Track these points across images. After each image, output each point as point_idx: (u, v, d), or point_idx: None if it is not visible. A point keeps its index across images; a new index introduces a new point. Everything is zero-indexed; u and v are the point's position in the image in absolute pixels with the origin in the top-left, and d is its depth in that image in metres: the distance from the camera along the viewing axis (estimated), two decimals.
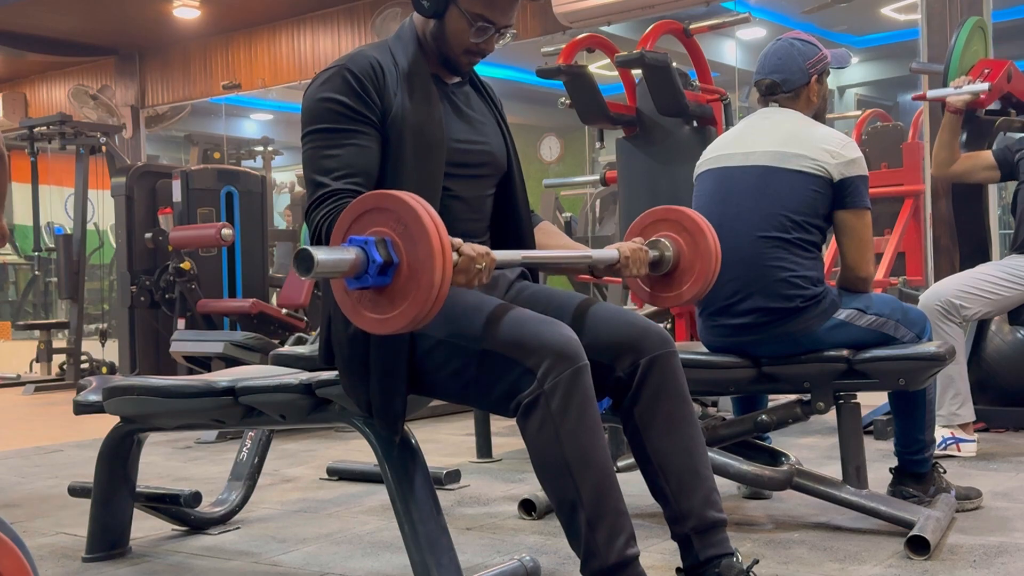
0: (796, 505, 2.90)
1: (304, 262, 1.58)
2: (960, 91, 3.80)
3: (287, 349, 3.08)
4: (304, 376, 2.20)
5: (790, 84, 2.78)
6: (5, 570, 1.09)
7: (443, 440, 4.49)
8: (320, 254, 1.59)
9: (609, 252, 2.06)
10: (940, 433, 3.47)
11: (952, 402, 3.50)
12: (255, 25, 9.60)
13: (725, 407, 4.03)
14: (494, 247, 2.18)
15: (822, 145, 2.65)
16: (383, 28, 8.49)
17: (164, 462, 4.13)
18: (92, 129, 8.06)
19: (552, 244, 2.24)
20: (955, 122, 3.81)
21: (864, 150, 2.79)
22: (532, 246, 2.21)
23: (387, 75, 2.00)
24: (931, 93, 4.02)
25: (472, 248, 1.71)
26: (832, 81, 11.67)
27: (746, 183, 2.70)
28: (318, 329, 5.08)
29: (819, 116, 2.83)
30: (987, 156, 3.80)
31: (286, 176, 12.90)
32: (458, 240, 1.70)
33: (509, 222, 2.18)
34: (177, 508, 2.80)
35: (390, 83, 1.99)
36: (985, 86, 3.79)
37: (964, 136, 4.13)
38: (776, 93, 2.79)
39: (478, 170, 2.10)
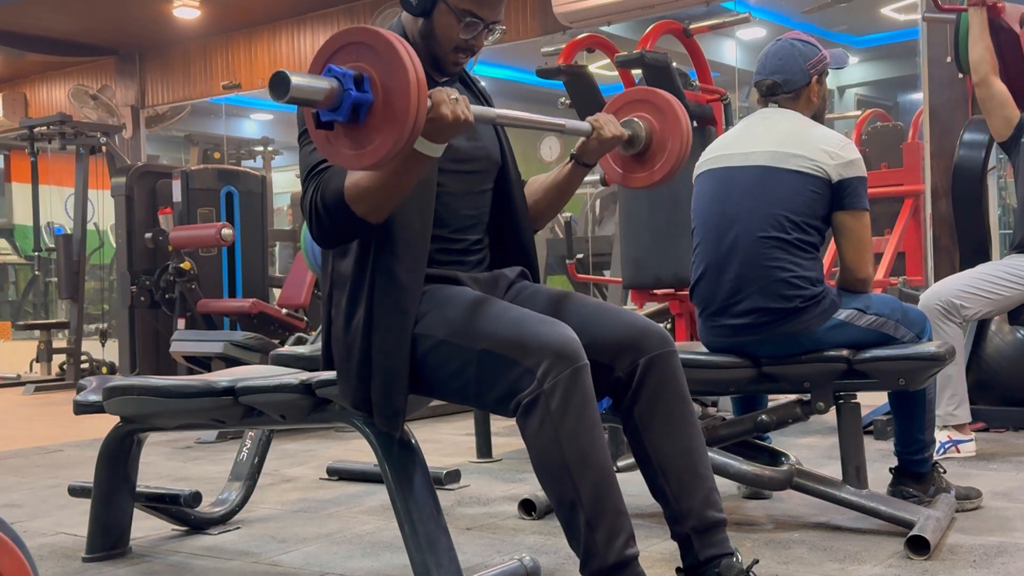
0: (796, 505, 2.90)
1: (280, 84, 1.56)
2: None
3: (287, 349, 3.08)
4: (304, 376, 2.20)
5: (791, 85, 2.78)
6: (5, 570, 1.09)
7: (443, 440, 4.49)
8: (295, 78, 1.57)
9: (582, 123, 2.10)
10: (937, 437, 3.46)
11: (949, 402, 3.50)
12: (255, 25, 9.60)
13: (725, 407, 4.03)
14: (492, 244, 2.18)
15: (821, 146, 2.65)
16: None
17: (164, 462, 4.13)
18: (92, 129, 8.07)
19: (539, 183, 2.27)
20: (980, 15, 3.73)
21: (864, 150, 2.79)
22: (531, 242, 2.22)
23: None
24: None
25: (443, 89, 1.73)
26: (832, 81, 11.67)
27: (745, 183, 2.70)
28: (318, 329, 5.09)
29: (818, 117, 2.83)
30: (1016, 112, 3.71)
31: (286, 176, 12.90)
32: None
33: (507, 223, 2.18)
34: (177, 508, 2.80)
35: None
36: None
37: (965, 136, 4.12)
38: (777, 94, 2.79)
39: (472, 165, 2.11)
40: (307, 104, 1.63)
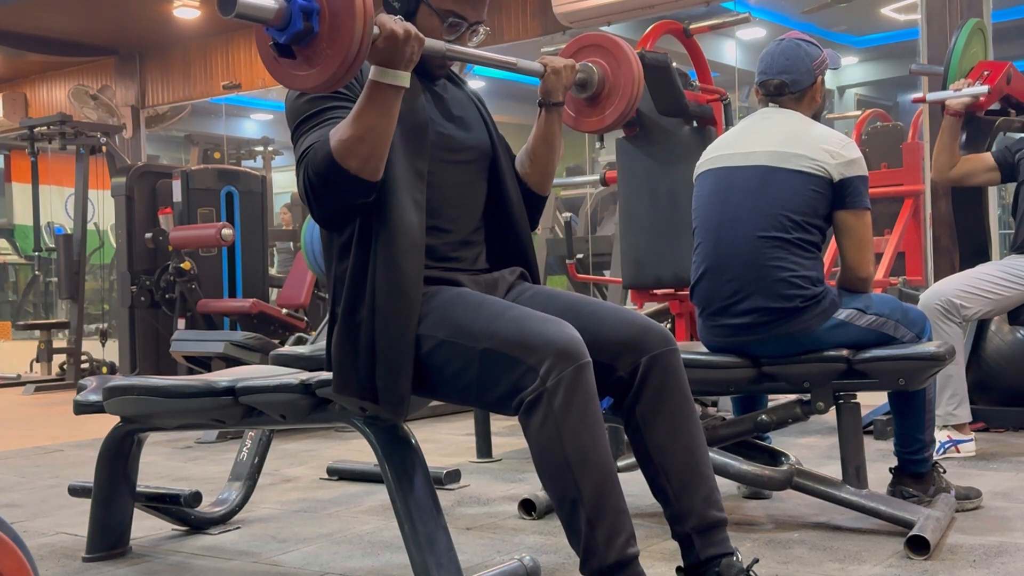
0: (796, 505, 2.90)
1: (225, 1, 1.61)
2: (959, 94, 3.79)
3: (287, 349, 3.08)
4: (304, 376, 2.20)
5: (798, 84, 2.78)
6: (5, 570, 1.09)
7: (443, 440, 4.49)
8: None
9: (533, 63, 2.15)
10: (937, 436, 3.47)
11: (949, 402, 3.50)
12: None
13: (725, 407, 4.03)
14: (492, 249, 2.19)
15: (822, 145, 2.65)
16: None
17: (164, 462, 4.13)
18: (92, 129, 8.07)
19: (523, 151, 2.29)
20: (954, 125, 3.80)
21: (864, 150, 2.79)
22: (530, 242, 2.22)
23: (363, 69, 1.99)
24: (931, 96, 4.01)
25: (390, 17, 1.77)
26: (832, 81, 11.69)
27: (746, 183, 2.70)
28: (318, 329, 5.08)
29: (817, 116, 2.84)
30: (987, 159, 3.80)
31: (286, 176, 12.91)
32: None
33: (504, 221, 2.18)
34: (177, 508, 2.80)
35: (366, 72, 1.99)
36: (984, 89, 3.78)
37: (964, 137, 4.12)
38: (784, 93, 2.79)
39: (463, 155, 2.11)
40: (256, 21, 1.68)
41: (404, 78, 1.80)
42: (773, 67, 2.80)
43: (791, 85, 2.78)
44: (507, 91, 10.89)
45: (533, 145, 2.26)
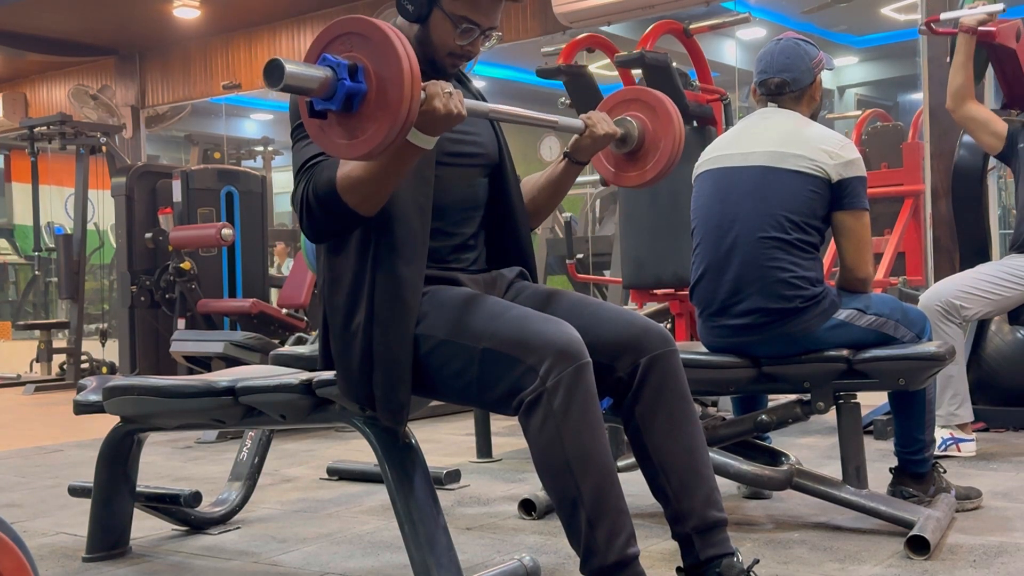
0: (796, 505, 2.90)
1: (274, 71, 1.57)
2: (974, 11, 3.72)
3: (287, 349, 3.08)
4: (304, 376, 2.20)
5: (799, 83, 2.78)
6: (5, 570, 1.09)
7: (443, 440, 4.49)
8: (290, 66, 1.57)
9: (575, 120, 2.11)
10: (939, 434, 3.47)
11: (951, 402, 3.50)
12: (255, 25, 9.60)
13: (725, 407, 4.03)
14: (491, 248, 2.18)
15: (820, 146, 2.65)
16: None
17: (164, 462, 4.13)
18: (92, 129, 8.07)
19: (533, 182, 2.28)
20: (968, 44, 3.73)
21: (864, 150, 2.79)
22: (529, 242, 2.22)
23: None
24: (945, 15, 3.87)
25: (437, 82, 1.74)
26: (832, 81, 11.69)
27: (745, 183, 2.70)
28: (318, 330, 5.08)
29: (815, 115, 2.84)
30: (1002, 124, 3.73)
31: (286, 176, 12.90)
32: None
33: (505, 222, 2.18)
34: (177, 508, 2.80)
35: None
36: (1000, 7, 3.70)
37: (965, 137, 4.12)
38: (784, 93, 2.78)
39: (469, 159, 2.11)
40: (301, 92, 1.64)
41: (431, 142, 1.78)
42: (773, 66, 2.79)
43: (792, 84, 2.78)
44: (508, 91, 10.89)
45: (542, 187, 2.25)
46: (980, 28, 3.70)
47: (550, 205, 2.29)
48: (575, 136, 2.17)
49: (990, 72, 4.06)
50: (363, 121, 1.64)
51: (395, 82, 1.61)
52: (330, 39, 1.68)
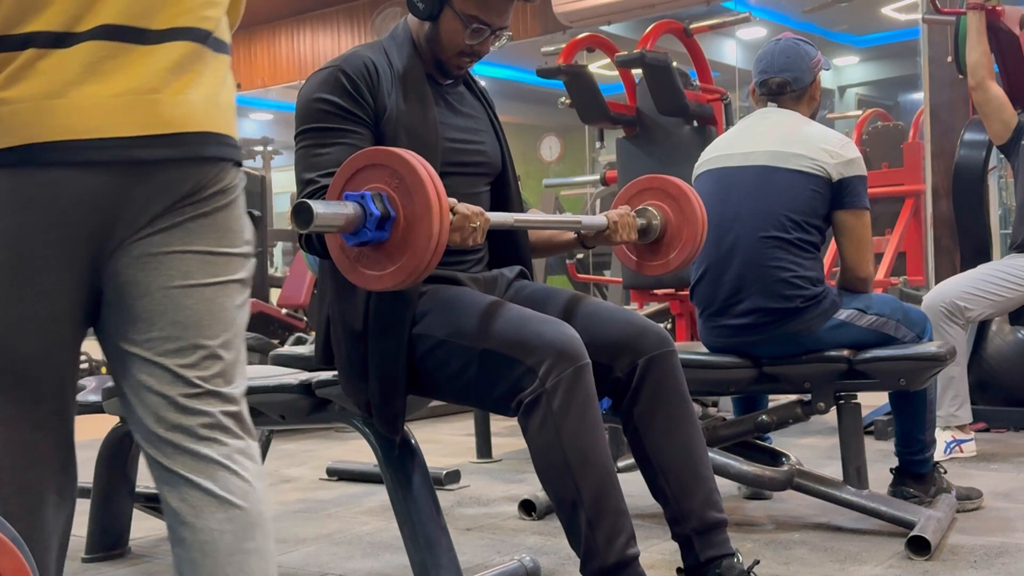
0: (796, 505, 2.90)
1: (302, 214, 1.58)
2: None
3: (287, 349, 3.08)
4: (304, 376, 2.20)
5: (800, 83, 2.78)
6: (5, 570, 1.09)
7: (443, 440, 4.49)
8: (319, 207, 1.59)
9: (598, 218, 2.08)
10: (942, 438, 3.46)
11: (952, 403, 3.50)
12: (255, 25, 9.60)
13: (725, 407, 4.03)
14: (492, 248, 2.18)
15: (821, 145, 2.65)
16: (382, 28, 8.50)
17: None
18: None
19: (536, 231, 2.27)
20: (979, 19, 3.72)
21: (864, 150, 2.79)
22: (526, 245, 2.21)
23: (381, 75, 2.00)
24: None
25: (467, 207, 1.73)
26: (832, 81, 11.69)
27: (746, 183, 2.70)
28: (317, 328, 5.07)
29: (814, 115, 2.85)
30: (1014, 115, 3.71)
31: (286, 176, 12.91)
32: (452, 200, 1.71)
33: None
34: None
35: (384, 83, 2.00)
36: None
37: (966, 136, 4.11)
38: (785, 92, 2.78)
39: (472, 169, 2.11)
40: (333, 230, 1.65)
41: None
42: (774, 65, 2.79)
43: (793, 83, 2.78)
44: (508, 91, 10.90)
45: (542, 240, 2.24)
46: (987, 4, 3.70)
47: (541, 256, 2.32)
48: (596, 233, 2.12)
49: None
50: (392, 252, 1.65)
51: (423, 216, 1.61)
52: (353, 171, 1.68)
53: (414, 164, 1.62)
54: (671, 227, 2.18)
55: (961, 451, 3.51)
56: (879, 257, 5.81)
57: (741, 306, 2.65)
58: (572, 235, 2.21)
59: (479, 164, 2.12)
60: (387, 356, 1.91)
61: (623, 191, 2.27)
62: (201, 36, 1.32)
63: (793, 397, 2.76)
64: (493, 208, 2.17)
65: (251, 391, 2.21)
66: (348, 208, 1.62)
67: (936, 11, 3.97)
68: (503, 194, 2.18)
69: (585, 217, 2.08)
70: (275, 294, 7.26)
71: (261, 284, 6.85)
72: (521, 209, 2.22)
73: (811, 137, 2.68)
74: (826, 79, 2.88)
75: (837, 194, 2.65)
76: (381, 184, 1.65)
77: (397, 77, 2.01)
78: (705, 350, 2.78)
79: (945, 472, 2.85)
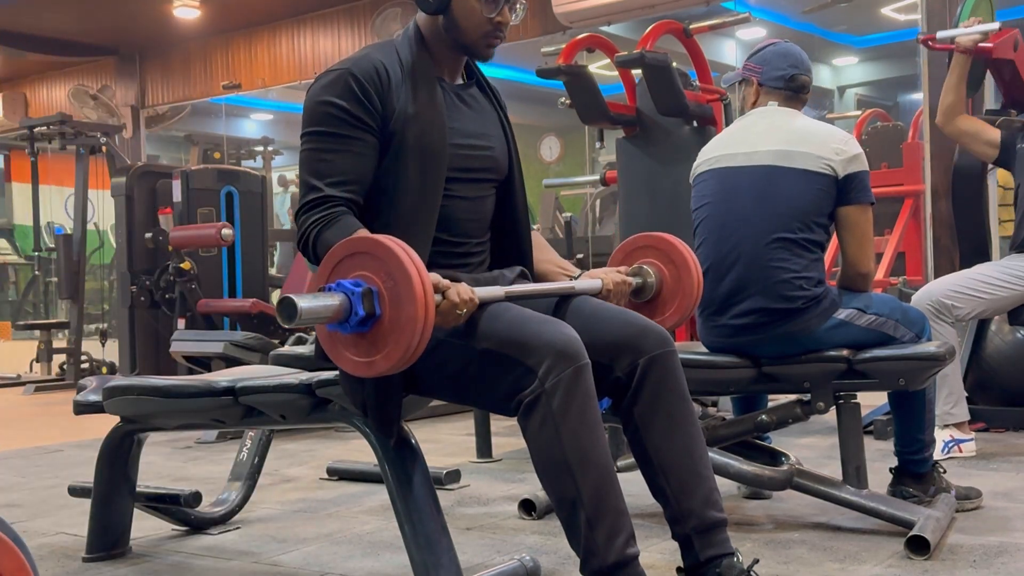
0: (796, 505, 2.90)
1: (287, 309, 1.62)
2: (970, 31, 3.72)
3: (287, 349, 3.08)
4: (304, 376, 2.20)
5: (811, 84, 2.88)
6: (5, 570, 1.09)
7: (443, 440, 4.49)
8: (303, 302, 1.63)
9: (592, 282, 2.10)
10: (941, 437, 3.46)
11: (946, 401, 3.50)
12: (255, 25, 9.60)
13: (725, 407, 4.03)
14: (493, 249, 2.18)
15: (827, 143, 2.66)
16: (383, 28, 8.49)
17: (164, 462, 4.13)
18: (92, 129, 8.06)
19: (540, 259, 2.25)
20: (963, 64, 3.74)
21: (864, 150, 2.79)
22: (529, 250, 2.21)
23: (392, 78, 1.99)
24: (941, 34, 3.86)
25: (457, 294, 1.75)
26: (832, 81, 11.69)
27: (750, 183, 2.70)
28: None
29: None
30: (994, 132, 3.74)
31: (286, 176, 12.91)
32: (446, 283, 1.74)
33: (508, 225, 2.19)
34: (177, 508, 2.80)
35: (394, 86, 1.99)
36: (995, 25, 3.68)
37: None
38: (805, 91, 2.84)
39: (481, 173, 2.11)
40: (320, 322, 1.68)
41: None
42: (803, 64, 2.84)
43: (809, 84, 2.86)
44: (508, 91, 10.88)
45: (542, 287, 2.24)
46: (977, 46, 3.71)
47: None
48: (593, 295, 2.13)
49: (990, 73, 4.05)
50: (376, 342, 1.69)
51: (407, 320, 1.65)
52: (345, 255, 1.71)
53: (407, 266, 1.65)
54: (666, 286, 2.21)
55: (960, 451, 3.51)
56: (879, 257, 5.81)
57: (741, 306, 2.65)
58: (565, 281, 2.19)
59: (486, 169, 2.12)
60: None
61: (619, 248, 2.29)
62: None
63: (793, 397, 2.76)
64: (498, 213, 2.17)
65: (251, 391, 2.23)
66: (334, 300, 1.66)
67: (929, 48, 4.00)
68: (509, 201, 2.18)
69: (579, 282, 2.10)
70: (275, 294, 7.26)
71: (261, 284, 6.86)
72: (526, 215, 2.22)
73: (816, 134, 2.69)
74: (826, 79, 2.92)
75: (843, 190, 2.66)
76: (368, 272, 1.68)
77: (407, 79, 2.01)
78: (705, 350, 2.78)
79: (944, 472, 2.85)
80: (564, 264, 2.26)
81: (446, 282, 1.74)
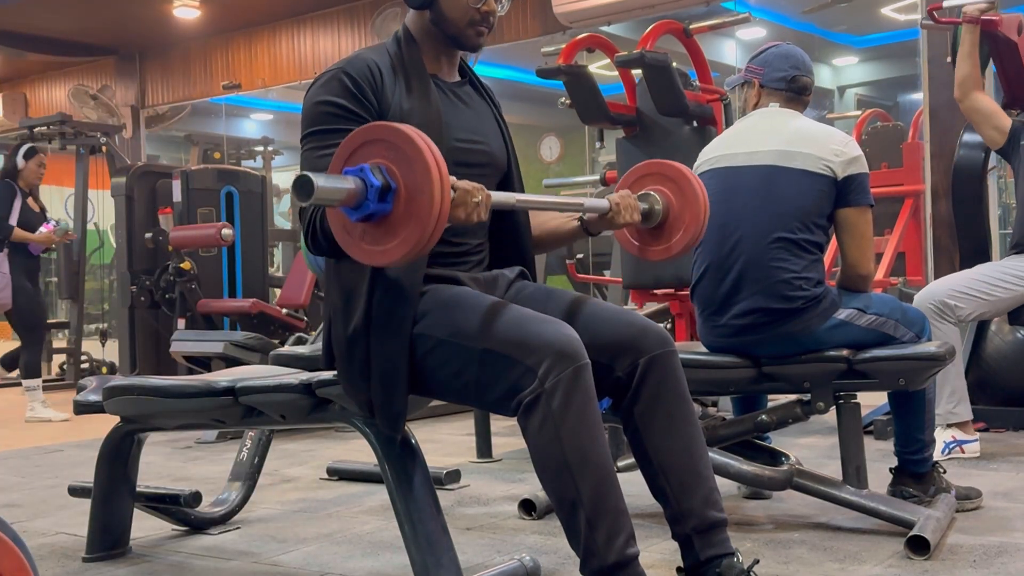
0: (796, 505, 2.90)
1: (303, 187, 1.58)
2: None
3: (287, 349, 3.08)
4: (304, 376, 2.20)
5: (813, 85, 2.89)
6: (5, 570, 1.09)
7: (443, 440, 4.49)
8: (319, 180, 1.59)
9: (601, 201, 2.08)
10: (942, 437, 3.46)
11: (949, 400, 3.50)
12: (255, 25, 9.60)
13: (725, 407, 4.03)
14: (492, 248, 2.19)
15: (826, 144, 2.66)
16: (383, 28, 8.50)
17: (164, 462, 4.13)
18: (92, 129, 8.07)
19: (543, 219, 2.27)
20: (972, 33, 3.73)
21: (864, 150, 2.79)
22: (530, 248, 2.21)
23: (385, 77, 2.00)
24: (947, 2, 3.85)
25: (467, 182, 1.74)
26: (832, 81, 11.69)
27: (751, 183, 2.70)
28: (318, 329, 5.08)
29: None
30: (1006, 120, 3.73)
31: (286, 176, 12.91)
32: (452, 177, 1.71)
33: (508, 226, 2.19)
34: (177, 508, 2.80)
35: (388, 85, 2.00)
36: None
37: (966, 136, 4.11)
38: (807, 93, 2.85)
39: (478, 169, 2.11)
40: (331, 204, 1.65)
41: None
42: (805, 66, 2.85)
43: (811, 86, 2.86)
44: (508, 91, 10.89)
45: (545, 232, 2.25)
46: (983, 17, 3.70)
47: (545, 250, 2.32)
48: (599, 217, 2.13)
49: (991, 71, 4.05)
50: (395, 226, 1.65)
51: (424, 186, 1.61)
52: (353, 148, 1.69)
53: (411, 135, 1.63)
54: (673, 211, 2.19)
55: (962, 451, 3.51)
56: (879, 257, 5.81)
57: (741, 306, 2.65)
58: (575, 224, 2.21)
59: (484, 164, 2.12)
60: (390, 354, 1.91)
61: (624, 177, 2.27)
62: None
63: (793, 397, 2.76)
64: (497, 213, 2.17)
65: (251, 391, 2.23)
66: (349, 182, 1.62)
67: (934, 21, 3.97)
68: (506, 189, 2.18)
69: (588, 200, 2.08)
70: (275, 294, 7.27)
71: (261, 284, 6.87)
72: (526, 215, 2.22)
73: (816, 135, 2.69)
74: (826, 79, 2.93)
75: (842, 191, 2.66)
76: (380, 159, 1.65)
77: (401, 78, 2.02)
78: (705, 350, 2.78)
79: (944, 472, 2.85)
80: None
81: (453, 178, 1.72)
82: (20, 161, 6.13)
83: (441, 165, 1.63)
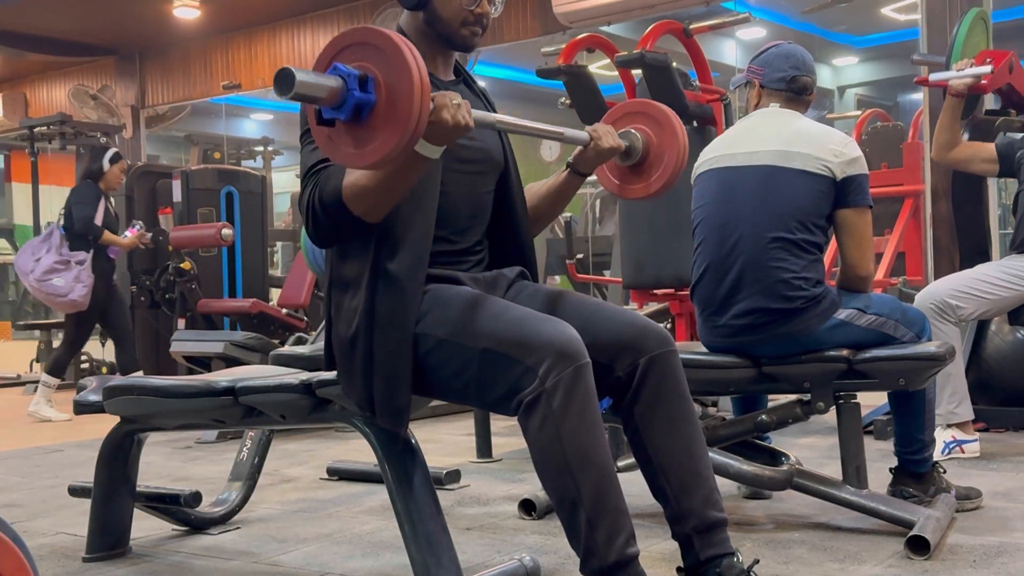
0: (796, 505, 2.90)
1: (285, 80, 1.58)
2: (962, 74, 3.76)
3: (287, 349, 3.08)
4: (304, 376, 2.20)
5: (814, 85, 2.88)
6: (5, 570, 1.09)
7: (443, 440, 4.49)
8: (300, 75, 1.58)
9: (580, 132, 2.11)
10: (942, 437, 3.46)
11: (950, 400, 3.50)
12: (255, 25, 9.60)
13: (725, 407, 4.03)
14: (493, 249, 2.19)
15: (826, 144, 2.66)
16: (383, 28, 8.49)
17: (164, 462, 4.13)
18: (92, 129, 8.07)
19: (535, 191, 2.28)
20: (956, 106, 3.78)
21: (864, 150, 2.79)
22: (531, 246, 2.22)
23: None
24: (933, 76, 3.94)
25: (440, 93, 1.74)
26: (832, 81, 11.69)
27: (750, 183, 2.70)
28: (318, 329, 5.08)
29: None
30: (989, 148, 3.78)
31: (286, 176, 12.91)
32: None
33: (507, 226, 2.19)
34: (177, 508, 2.80)
35: None
36: (987, 69, 3.75)
37: (967, 136, 4.12)
38: (807, 93, 2.85)
39: (475, 166, 2.11)
40: (311, 101, 1.64)
41: (438, 152, 1.78)
42: (805, 66, 2.85)
43: (812, 85, 2.86)
44: (508, 91, 10.89)
45: (544, 195, 2.26)
46: (973, 85, 3.77)
47: (552, 213, 2.30)
48: (579, 148, 2.17)
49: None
50: (372, 131, 1.65)
51: (405, 93, 1.61)
52: (341, 48, 1.68)
53: (395, 40, 1.64)
54: (653, 149, 2.23)
55: (962, 451, 3.51)
56: (878, 257, 5.81)
57: (741, 306, 2.65)
58: (565, 173, 2.23)
59: (482, 162, 2.12)
60: (392, 351, 1.90)
61: (607, 114, 2.32)
62: None
63: (793, 397, 2.76)
64: (498, 210, 2.17)
65: (251, 391, 2.23)
66: (331, 80, 1.63)
67: (925, 84, 4.05)
68: (507, 202, 2.18)
69: (567, 130, 2.10)
70: (275, 294, 7.27)
71: (261, 284, 6.87)
72: (526, 216, 2.22)
73: (815, 136, 2.69)
74: (826, 79, 2.93)
75: (841, 192, 2.66)
76: (365, 63, 1.65)
77: None
78: (705, 350, 2.78)
79: (944, 472, 2.85)
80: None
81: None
82: (106, 164, 6.06)
83: (420, 65, 1.63)
